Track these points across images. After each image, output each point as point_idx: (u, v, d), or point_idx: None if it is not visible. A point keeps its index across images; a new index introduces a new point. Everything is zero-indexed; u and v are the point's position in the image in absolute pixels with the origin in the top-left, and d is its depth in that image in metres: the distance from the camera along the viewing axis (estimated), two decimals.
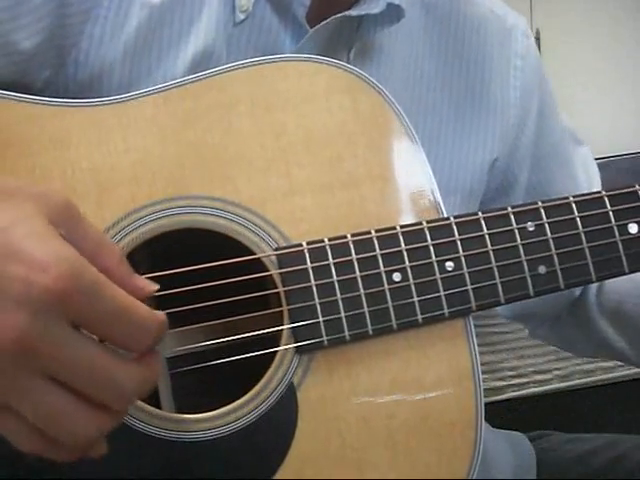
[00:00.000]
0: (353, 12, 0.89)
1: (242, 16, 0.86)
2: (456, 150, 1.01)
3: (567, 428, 1.21)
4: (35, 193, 0.58)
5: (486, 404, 0.78)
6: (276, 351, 0.76)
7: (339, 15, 0.88)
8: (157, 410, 0.74)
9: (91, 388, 0.57)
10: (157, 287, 0.63)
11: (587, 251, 0.80)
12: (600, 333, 1.12)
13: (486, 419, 0.79)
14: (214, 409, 0.74)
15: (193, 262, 0.73)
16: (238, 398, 0.75)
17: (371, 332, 0.76)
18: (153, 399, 0.76)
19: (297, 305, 0.76)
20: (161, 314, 0.61)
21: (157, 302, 0.70)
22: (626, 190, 0.81)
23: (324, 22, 0.87)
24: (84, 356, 0.56)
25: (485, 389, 0.78)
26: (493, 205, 1.06)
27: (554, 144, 1.11)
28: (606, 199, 0.81)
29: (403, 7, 0.91)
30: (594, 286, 1.12)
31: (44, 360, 0.55)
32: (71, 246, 0.57)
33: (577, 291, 1.14)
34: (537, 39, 3.44)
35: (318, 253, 0.76)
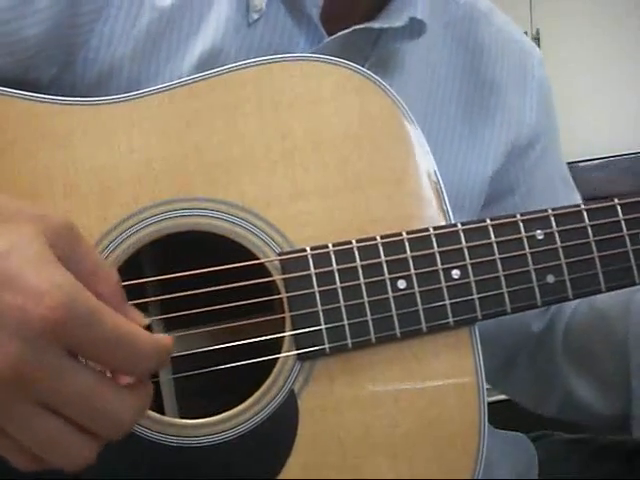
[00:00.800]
0: (375, 24, 0.88)
1: (256, 16, 0.86)
2: (467, 163, 1.00)
3: (568, 428, 1.21)
4: (35, 215, 0.58)
5: (487, 404, 0.77)
6: (278, 357, 0.74)
7: (360, 26, 0.87)
8: (157, 415, 0.73)
9: (86, 418, 0.57)
10: (147, 322, 0.63)
11: (597, 261, 0.79)
12: (565, 381, 1.08)
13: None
14: (217, 413, 0.74)
15: (196, 264, 0.72)
16: (241, 402, 0.74)
17: (374, 340, 0.75)
18: (156, 402, 0.75)
19: (299, 311, 0.75)
20: (165, 338, 0.61)
21: (160, 305, 0.70)
22: (639, 199, 0.80)
23: (344, 32, 0.87)
24: (79, 385, 0.56)
25: (486, 389, 0.77)
26: (487, 209, 1.05)
27: (546, 180, 1.11)
28: (618, 207, 0.80)
29: (426, 22, 0.91)
30: (561, 328, 1.09)
31: (39, 388, 0.55)
32: (68, 272, 0.57)
33: (535, 327, 1.11)
34: (537, 39, 3.44)
35: (322, 259, 0.75)
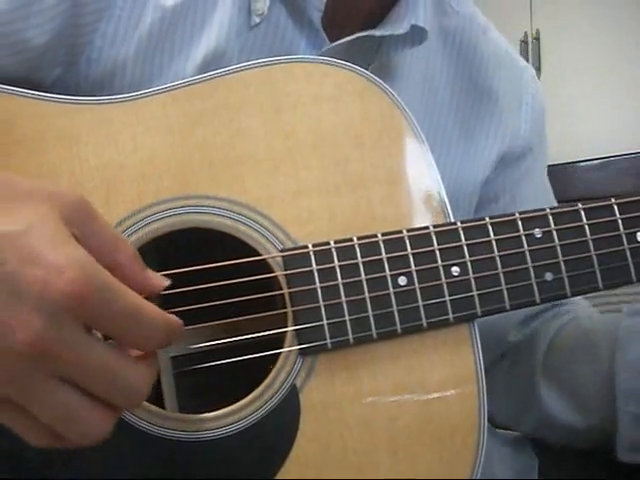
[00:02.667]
0: (377, 32, 0.89)
1: (257, 19, 0.86)
2: (461, 169, 1.02)
3: None
4: (49, 193, 0.58)
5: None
6: (280, 352, 0.75)
7: (363, 34, 0.88)
8: (160, 409, 0.74)
9: (104, 390, 0.58)
10: (169, 282, 0.64)
11: (594, 259, 0.80)
12: (542, 400, 1.06)
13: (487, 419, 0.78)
14: (217, 409, 0.74)
15: (199, 261, 0.73)
16: (241, 398, 0.74)
17: (375, 336, 0.76)
18: (157, 399, 0.75)
19: (301, 307, 0.75)
20: (174, 317, 0.61)
21: (163, 301, 0.70)
22: (636, 198, 0.81)
23: (347, 39, 0.88)
24: (97, 359, 0.57)
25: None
26: (474, 214, 1.06)
27: (531, 192, 1.12)
28: (615, 207, 0.81)
29: (427, 29, 0.92)
30: (544, 345, 1.08)
31: (58, 363, 0.55)
32: (84, 249, 0.57)
33: (512, 337, 1.11)
34: (537, 39, 3.44)
35: (323, 255, 0.76)
